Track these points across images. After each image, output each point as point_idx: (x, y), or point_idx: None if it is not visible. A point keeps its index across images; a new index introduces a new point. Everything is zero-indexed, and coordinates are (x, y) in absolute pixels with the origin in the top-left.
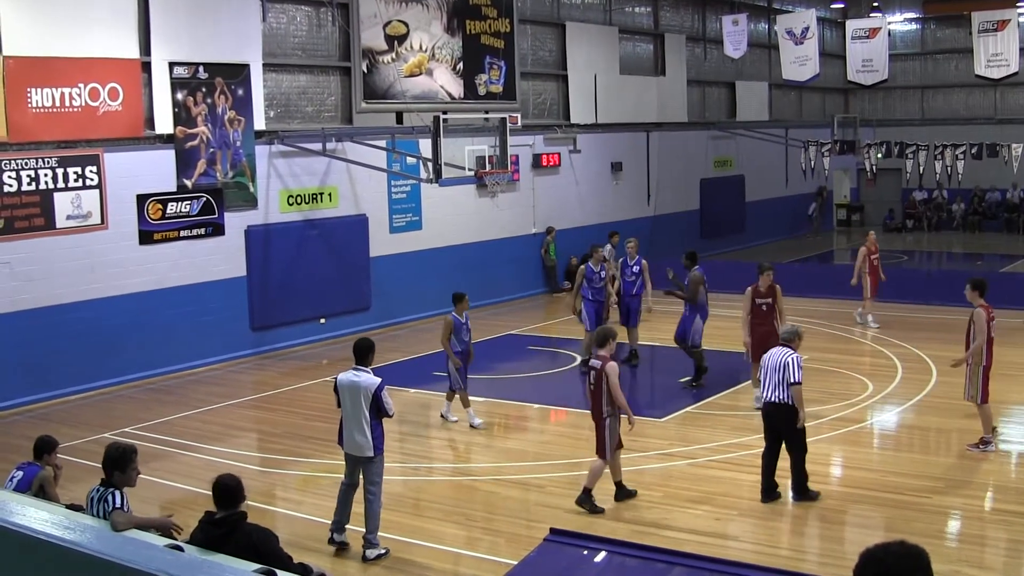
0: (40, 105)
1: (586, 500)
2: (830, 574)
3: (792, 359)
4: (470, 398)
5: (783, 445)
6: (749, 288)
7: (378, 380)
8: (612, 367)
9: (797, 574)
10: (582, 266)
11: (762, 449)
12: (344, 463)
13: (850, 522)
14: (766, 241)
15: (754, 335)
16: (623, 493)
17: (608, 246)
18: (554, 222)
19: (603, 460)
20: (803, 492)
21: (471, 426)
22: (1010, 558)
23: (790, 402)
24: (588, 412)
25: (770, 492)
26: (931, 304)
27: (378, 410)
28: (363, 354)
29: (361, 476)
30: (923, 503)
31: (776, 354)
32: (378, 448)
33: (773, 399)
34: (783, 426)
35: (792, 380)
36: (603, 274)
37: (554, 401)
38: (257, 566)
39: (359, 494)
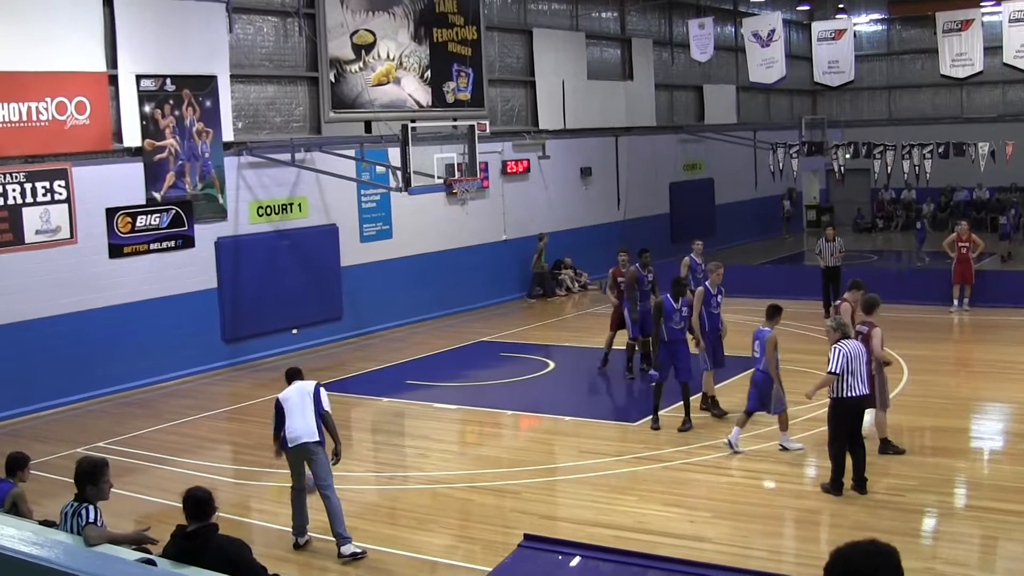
0: (7, 120)
1: (888, 446)
2: (804, 574)
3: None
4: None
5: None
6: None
7: (315, 381)
8: (877, 331)
9: (772, 575)
10: (700, 288)
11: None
12: (289, 467)
13: (824, 522)
14: (736, 243)
15: None
16: (890, 448)
17: (719, 270)
18: (524, 228)
19: (882, 410)
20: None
21: (788, 448)
22: (984, 554)
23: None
24: (560, 417)
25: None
26: (901, 303)
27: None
28: (297, 374)
29: (312, 479)
30: (897, 501)
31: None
32: (323, 437)
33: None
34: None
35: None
36: (719, 299)
37: (527, 407)
38: None
39: (318, 500)
